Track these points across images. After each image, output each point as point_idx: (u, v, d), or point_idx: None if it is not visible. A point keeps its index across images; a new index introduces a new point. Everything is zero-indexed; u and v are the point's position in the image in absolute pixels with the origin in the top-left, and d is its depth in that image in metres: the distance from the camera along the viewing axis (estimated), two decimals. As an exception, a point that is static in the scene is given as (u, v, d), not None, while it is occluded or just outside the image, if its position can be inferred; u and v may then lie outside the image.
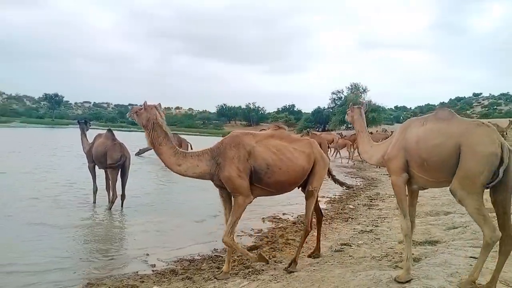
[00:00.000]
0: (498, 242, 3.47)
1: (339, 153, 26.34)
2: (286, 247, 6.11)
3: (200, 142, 24.30)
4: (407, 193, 4.27)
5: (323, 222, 7.69)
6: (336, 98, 64.74)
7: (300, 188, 5.16)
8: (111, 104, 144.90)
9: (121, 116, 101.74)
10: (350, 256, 5.44)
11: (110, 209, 8.42)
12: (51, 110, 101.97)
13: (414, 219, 4.29)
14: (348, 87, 62.66)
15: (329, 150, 28.64)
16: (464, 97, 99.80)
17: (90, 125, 10.24)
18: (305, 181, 4.99)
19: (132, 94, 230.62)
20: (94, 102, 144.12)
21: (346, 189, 5.98)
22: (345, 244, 6.09)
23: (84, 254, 5.69)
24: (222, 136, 5.36)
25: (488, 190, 3.48)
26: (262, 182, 4.62)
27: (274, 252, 5.79)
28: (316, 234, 5.68)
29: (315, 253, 5.54)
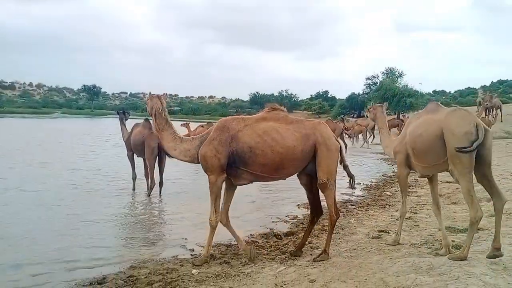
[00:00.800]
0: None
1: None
2: (322, 233, 6.09)
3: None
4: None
5: (359, 209, 7.73)
6: (371, 83, 63.08)
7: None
8: (147, 94, 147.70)
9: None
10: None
11: (149, 195, 8.68)
12: (90, 101, 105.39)
13: (438, 202, 5.25)
14: (383, 72, 61.00)
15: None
16: (507, 79, 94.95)
17: (129, 115, 10.60)
18: (314, 170, 4.79)
19: (166, 84, 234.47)
20: (131, 93, 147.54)
21: (349, 186, 5.50)
22: (382, 231, 6.01)
23: (126, 240, 5.90)
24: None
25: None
26: (248, 166, 4.64)
27: (310, 238, 5.77)
28: (305, 233, 5.27)
29: (297, 252, 5.05)
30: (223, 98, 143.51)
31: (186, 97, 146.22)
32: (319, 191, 4.96)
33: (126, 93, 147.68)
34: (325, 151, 4.72)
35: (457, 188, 9.17)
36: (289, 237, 5.87)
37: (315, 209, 5.22)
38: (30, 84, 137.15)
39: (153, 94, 5.25)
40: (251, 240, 5.70)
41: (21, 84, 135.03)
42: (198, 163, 4.79)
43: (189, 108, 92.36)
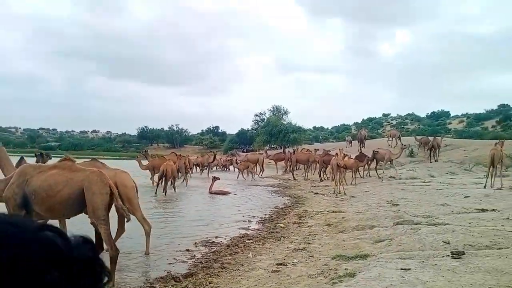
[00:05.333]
0: None
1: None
2: (222, 271, 5.95)
3: (121, 166, 23.38)
4: None
5: (256, 243, 7.78)
6: (259, 119, 66.15)
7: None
8: (20, 128, 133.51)
9: (32, 141, 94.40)
10: (287, 276, 5.44)
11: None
12: None
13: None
14: (270, 109, 64.48)
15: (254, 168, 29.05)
16: (375, 117, 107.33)
17: (48, 157, 10.07)
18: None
19: (43, 117, 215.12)
20: (1, 127, 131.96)
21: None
22: (281, 264, 6.10)
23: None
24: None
25: None
26: (35, 206, 5.43)
27: (210, 278, 5.60)
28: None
29: None
30: (108, 132, 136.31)
31: (66, 131, 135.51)
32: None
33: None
34: (88, 195, 5.42)
35: (343, 218, 9.85)
36: (189, 279, 5.60)
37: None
38: None
39: None
40: (148, 285, 5.29)
41: None
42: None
43: (69, 143, 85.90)
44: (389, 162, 20.21)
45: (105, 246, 5.46)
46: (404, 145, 23.16)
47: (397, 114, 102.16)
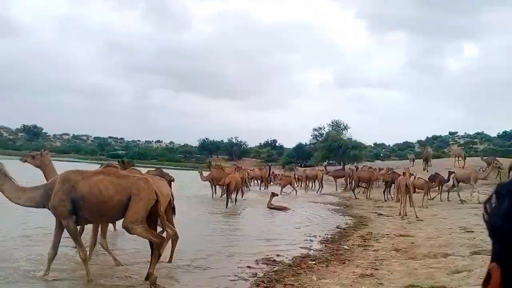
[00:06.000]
0: None
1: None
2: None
3: (182, 176, 24.03)
4: None
5: (319, 265, 7.45)
6: (318, 134, 65.30)
7: None
8: (91, 136, 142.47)
9: (101, 149, 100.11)
10: (356, 304, 5.08)
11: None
12: (28, 142, 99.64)
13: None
14: (329, 124, 63.48)
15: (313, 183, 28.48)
16: (441, 135, 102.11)
17: (130, 164, 11.05)
18: None
19: (112, 127, 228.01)
20: (74, 134, 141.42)
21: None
22: (348, 291, 5.74)
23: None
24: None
25: None
26: (81, 210, 5.60)
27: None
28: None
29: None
30: (170, 143, 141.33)
31: (133, 141, 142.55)
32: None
33: (69, 134, 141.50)
34: (134, 201, 5.61)
35: (412, 243, 9.22)
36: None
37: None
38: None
39: None
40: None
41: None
42: (42, 207, 5.80)
43: (135, 152, 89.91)
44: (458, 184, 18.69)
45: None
46: (496, 163, 20.98)
47: (465, 133, 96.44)
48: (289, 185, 24.59)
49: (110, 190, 5.62)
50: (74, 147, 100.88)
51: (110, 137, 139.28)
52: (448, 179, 18.58)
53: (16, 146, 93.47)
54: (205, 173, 20.77)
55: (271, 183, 27.95)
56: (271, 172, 27.24)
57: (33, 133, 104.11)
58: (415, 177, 16.73)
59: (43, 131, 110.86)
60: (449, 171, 19.13)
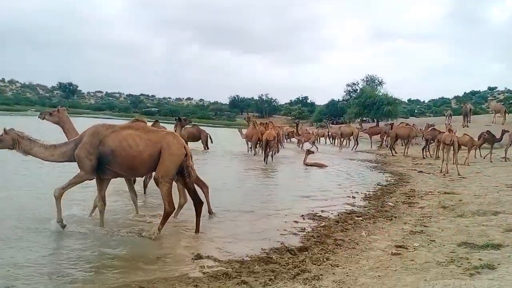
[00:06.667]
0: None
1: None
2: (337, 248, 5.73)
3: (215, 134, 24.18)
4: None
5: (366, 221, 7.43)
6: (351, 90, 63.91)
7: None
8: (123, 93, 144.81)
9: (134, 106, 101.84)
10: (411, 260, 5.05)
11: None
12: (64, 99, 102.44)
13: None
14: (363, 79, 61.84)
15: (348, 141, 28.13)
16: (479, 91, 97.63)
17: (188, 122, 11.42)
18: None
19: (142, 84, 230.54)
20: (107, 92, 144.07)
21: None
22: (400, 247, 5.70)
23: (127, 253, 5.37)
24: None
25: None
26: (111, 164, 5.71)
27: (326, 254, 5.42)
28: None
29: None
30: (201, 100, 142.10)
31: (164, 98, 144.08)
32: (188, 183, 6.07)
33: (102, 92, 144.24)
34: (164, 156, 5.74)
35: (460, 200, 9.03)
36: (304, 253, 5.47)
37: (194, 199, 6.21)
38: (3, 80, 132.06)
39: (7, 131, 5.77)
40: (265, 256, 5.25)
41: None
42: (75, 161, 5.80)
43: (167, 110, 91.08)
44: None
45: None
46: None
47: (505, 88, 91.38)
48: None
49: (140, 145, 5.69)
50: (108, 104, 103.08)
51: (142, 94, 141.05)
52: (501, 138, 17.77)
53: (52, 103, 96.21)
54: (244, 131, 20.83)
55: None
56: (299, 128, 26.64)
57: (68, 90, 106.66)
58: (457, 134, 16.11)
59: (77, 88, 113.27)
60: (503, 130, 18.26)
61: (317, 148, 24.05)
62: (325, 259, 5.19)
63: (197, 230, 6.22)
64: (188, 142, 18.58)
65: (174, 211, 6.26)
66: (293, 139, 27.81)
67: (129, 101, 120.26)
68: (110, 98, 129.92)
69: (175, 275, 4.55)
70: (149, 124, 10.08)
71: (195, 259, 5.09)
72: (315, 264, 5.04)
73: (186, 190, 6.39)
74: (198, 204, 6.21)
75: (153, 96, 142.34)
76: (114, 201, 7.70)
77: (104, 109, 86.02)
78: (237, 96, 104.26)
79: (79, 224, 6.25)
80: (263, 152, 16.61)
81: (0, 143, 5.77)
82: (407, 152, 22.00)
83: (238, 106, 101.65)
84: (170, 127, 10.56)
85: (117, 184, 7.62)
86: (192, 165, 6.12)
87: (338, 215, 7.89)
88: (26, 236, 5.67)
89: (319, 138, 34.03)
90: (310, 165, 15.96)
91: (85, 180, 5.89)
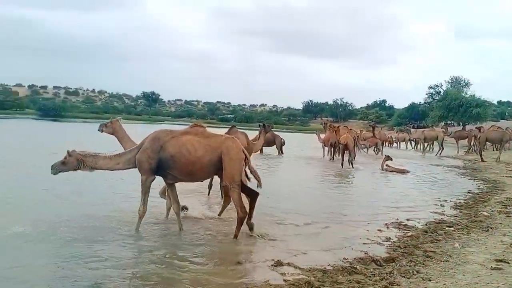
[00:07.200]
0: None
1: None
2: (427, 260, 5.27)
3: (288, 139, 24.02)
4: None
5: (458, 231, 6.79)
6: (434, 92, 60.34)
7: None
8: (201, 101, 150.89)
9: (211, 113, 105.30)
10: (517, 277, 4.48)
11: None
12: (147, 108, 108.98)
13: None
14: (448, 81, 58.11)
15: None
16: None
17: (271, 128, 12.19)
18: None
19: (218, 92, 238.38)
20: (185, 100, 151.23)
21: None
22: (500, 261, 5.11)
23: (205, 256, 5.40)
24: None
25: None
26: (171, 169, 5.80)
27: (416, 267, 5.00)
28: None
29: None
30: (274, 106, 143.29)
31: (238, 105, 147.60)
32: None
33: (181, 100, 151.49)
34: (225, 161, 5.76)
35: None
36: (391, 264, 5.10)
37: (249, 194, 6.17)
38: (93, 91, 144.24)
39: (70, 152, 5.89)
40: (349, 266, 4.97)
41: (84, 90, 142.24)
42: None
43: (242, 116, 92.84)
44: None
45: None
46: None
47: None
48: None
49: (199, 150, 5.73)
50: (186, 111, 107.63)
51: (218, 102, 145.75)
52: None
53: (136, 111, 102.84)
54: (322, 136, 20.53)
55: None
56: (375, 132, 25.31)
57: (151, 99, 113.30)
58: None
59: (159, 97, 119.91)
60: None
61: (382, 152, 22.99)
62: (415, 272, 4.80)
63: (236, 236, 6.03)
64: (263, 147, 18.80)
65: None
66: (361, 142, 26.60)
67: (206, 108, 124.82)
68: (189, 106, 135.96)
69: (256, 281, 4.45)
70: (226, 129, 10.33)
71: (275, 266, 4.96)
72: (404, 276, 4.67)
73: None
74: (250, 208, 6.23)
75: (228, 103, 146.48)
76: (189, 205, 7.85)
77: (183, 116, 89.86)
78: (310, 101, 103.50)
79: (156, 227, 6.43)
80: (340, 157, 16.17)
81: (65, 166, 5.88)
82: (499, 158, 20.09)
83: (312, 111, 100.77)
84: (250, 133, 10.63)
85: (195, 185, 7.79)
86: (252, 169, 6.14)
87: (426, 224, 7.33)
88: (113, 238, 5.94)
89: (399, 143, 32.46)
90: (390, 171, 15.18)
91: (150, 183, 5.95)
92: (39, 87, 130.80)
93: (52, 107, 78.18)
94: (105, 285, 4.27)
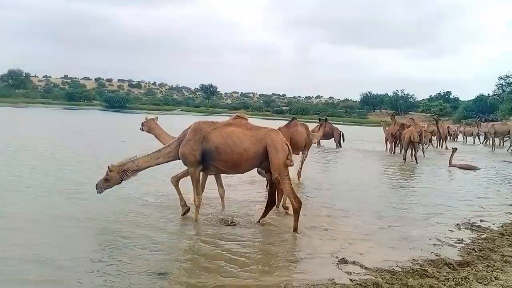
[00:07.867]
0: None
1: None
2: (506, 266, 4.86)
3: (347, 131, 23.40)
4: None
5: None
6: (505, 83, 56.23)
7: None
8: (256, 93, 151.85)
9: (266, 105, 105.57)
10: None
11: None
12: (205, 100, 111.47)
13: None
14: (521, 71, 53.85)
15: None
16: None
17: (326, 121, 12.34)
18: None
19: (273, 84, 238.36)
20: (241, 92, 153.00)
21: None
22: None
23: (267, 251, 5.34)
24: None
25: None
26: (215, 161, 5.75)
27: (494, 272, 4.62)
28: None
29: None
30: (330, 98, 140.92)
31: (294, 97, 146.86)
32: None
33: (238, 92, 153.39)
34: (271, 153, 5.71)
35: None
36: (466, 269, 4.75)
37: (270, 199, 6.25)
38: (154, 83, 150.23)
39: (111, 168, 5.95)
40: (419, 268, 4.69)
41: (146, 83, 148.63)
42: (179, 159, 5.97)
43: (297, 108, 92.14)
44: None
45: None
46: None
47: None
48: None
49: (244, 142, 5.68)
50: (242, 103, 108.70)
51: (273, 94, 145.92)
52: None
53: (195, 103, 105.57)
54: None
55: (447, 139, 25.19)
56: (440, 126, 23.79)
57: (209, 91, 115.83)
58: None
59: (217, 90, 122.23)
60: None
61: (434, 146, 21.63)
62: (493, 278, 4.43)
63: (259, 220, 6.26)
64: (321, 140, 18.47)
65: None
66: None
67: (261, 101, 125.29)
68: (245, 98, 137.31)
69: (320, 279, 4.31)
70: (285, 122, 10.20)
71: (340, 264, 4.80)
72: (481, 283, 4.32)
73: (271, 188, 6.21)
74: (269, 204, 6.28)
75: (284, 95, 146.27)
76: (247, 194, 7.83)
77: (239, 108, 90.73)
78: (369, 92, 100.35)
79: (210, 222, 6.42)
80: (403, 151, 15.49)
81: (109, 182, 5.95)
82: None
83: (370, 103, 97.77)
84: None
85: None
86: (291, 162, 5.92)
87: (503, 226, 6.81)
88: (169, 229, 6.07)
89: (466, 137, 30.62)
90: (459, 167, 14.32)
91: (199, 173, 5.98)
92: (105, 80, 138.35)
93: (116, 99, 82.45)
94: (169, 274, 4.34)
